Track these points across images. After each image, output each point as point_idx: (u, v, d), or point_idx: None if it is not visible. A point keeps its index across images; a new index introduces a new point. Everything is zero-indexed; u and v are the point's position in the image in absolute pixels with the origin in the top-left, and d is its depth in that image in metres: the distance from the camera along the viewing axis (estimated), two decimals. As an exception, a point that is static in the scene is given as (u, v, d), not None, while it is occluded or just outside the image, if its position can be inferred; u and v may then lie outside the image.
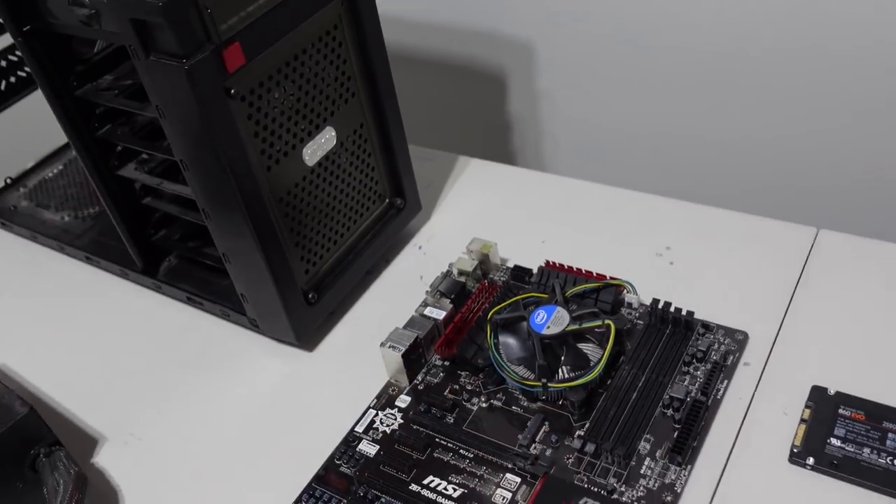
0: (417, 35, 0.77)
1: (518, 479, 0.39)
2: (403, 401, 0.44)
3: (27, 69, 0.62)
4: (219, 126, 0.38)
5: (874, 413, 0.39)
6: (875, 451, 0.37)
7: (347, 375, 0.47)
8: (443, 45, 0.76)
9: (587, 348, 0.43)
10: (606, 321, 0.42)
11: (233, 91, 0.38)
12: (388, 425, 0.43)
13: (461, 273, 0.49)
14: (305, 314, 0.47)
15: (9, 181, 0.66)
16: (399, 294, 0.50)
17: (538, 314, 0.42)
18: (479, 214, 0.56)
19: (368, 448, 0.42)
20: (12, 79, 0.63)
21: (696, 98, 0.67)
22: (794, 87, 0.62)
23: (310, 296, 0.47)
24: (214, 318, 0.52)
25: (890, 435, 0.38)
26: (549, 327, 0.42)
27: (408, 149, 0.52)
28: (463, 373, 0.45)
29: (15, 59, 0.63)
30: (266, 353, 0.49)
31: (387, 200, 0.52)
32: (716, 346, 0.43)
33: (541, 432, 0.41)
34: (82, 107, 0.47)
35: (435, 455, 0.41)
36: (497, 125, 0.79)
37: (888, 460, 0.37)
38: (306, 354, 0.49)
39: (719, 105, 0.66)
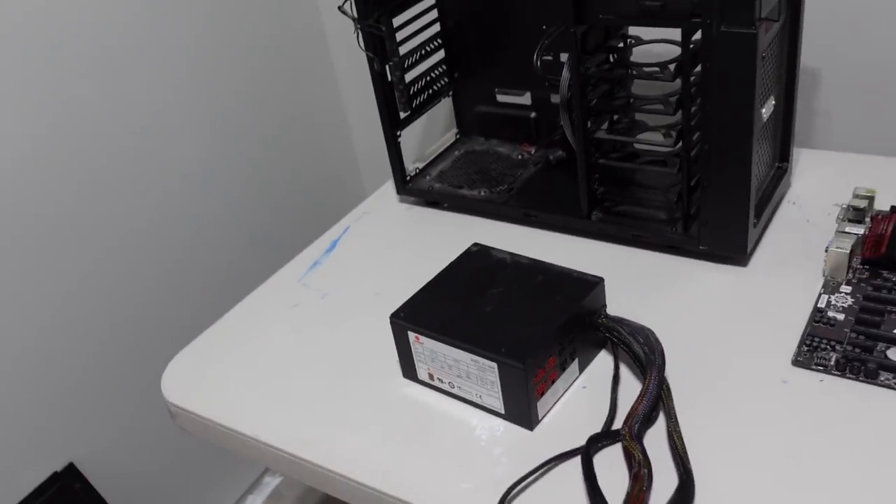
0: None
1: (971, 325, 0.54)
2: (845, 288, 0.60)
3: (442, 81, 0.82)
4: (757, 79, 0.56)
5: None
6: None
7: (782, 279, 0.62)
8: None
9: None
10: None
11: (763, 55, 0.57)
12: (843, 301, 0.59)
13: (855, 209, 0.65)
14: (753, 233, 0.63)
15: (417, 169, 0.84)
16: (788, 233, 0.66)
17: (955, 220, 0.59)
18: (830, 179, 0.73)
19: (836, 314, 0.57)
20: (430, 90, 0.83)
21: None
22: None
23: (754, 222, 0.64)
24: (648, 252, 0.68)
25: None
26: (968, 226, 0.58)
27: (794, 128, 0.70)
28: (885, 272, 0.61)
29: (438, 73, 0.82)
30: (711, 270, 0.65)
31: (776, 164, 0.70)
32: None
33: (972, 300, 0.56)
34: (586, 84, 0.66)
35: (891, 317, 0.56)
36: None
37: None
38: (742, 268, 0.65)
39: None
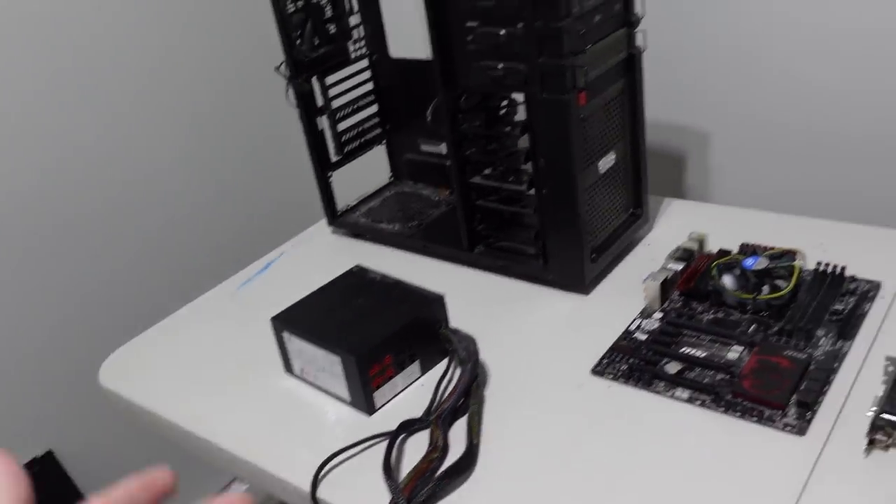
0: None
1: (742, 347, 0.65)
2: (658, 315, 0.71)
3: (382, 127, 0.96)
4: (574, 137, 0.69)
5: (967, 317, 0.64)
6: (968, 333, 0.62)
7: (613, 307, 0.74)
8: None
9: (780, 282, 0.69)
10: (794, 263, 0.69)
11: (581, 117, 0.69)
12: (651, 325, 0.70)
13: (686, 250, 0.77)
14: (590, 268, 0.75)
15: (349, 206, 0.98)
16: (638, 269, 0.78)
17: (748, 260, 0.69)
18: (685, 228, 0.84)
19: (640, 336, 0.69)
20: (363, 139, 0.97)
21: None
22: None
23: (592, 255, 0.75)
24: (514, 281, 0.80)
25: (977, 326, 0.62)
26: (755, 265, 0.69)
27: (647, 178, 0.81)
28: (694, 302, 0.71)
29: (370, 124, 0.97)
30: (558, 297, 0.77)
31: (630, 210, 0.81)
32: (860, 287, 0.69)
33: (752, 327, 0.67)
34: (461, 138, 0.79)
35: (684, 339, 0.67)
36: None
37: (977, 337, 0.61)
38: (584, 297, 0.76)
39: None
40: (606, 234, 0.78)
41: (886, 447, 0.54)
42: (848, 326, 0.65)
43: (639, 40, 0.76)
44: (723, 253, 0.76)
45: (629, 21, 0.74)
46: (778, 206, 0.97)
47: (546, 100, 0.68)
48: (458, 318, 0.71)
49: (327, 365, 0.66)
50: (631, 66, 0.76)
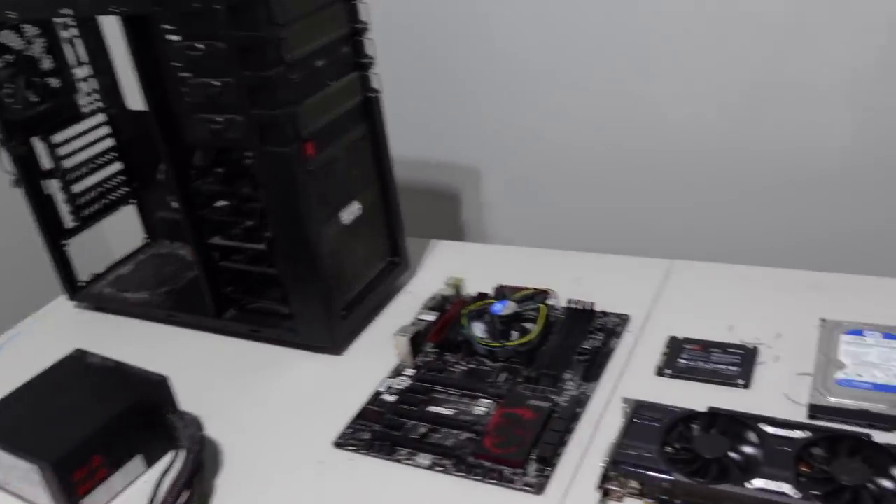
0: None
1: (489, 401, 0.61)
2: (409, 372, 0.67)
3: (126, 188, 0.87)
4: (302, 190, 0.64)
5: (705, 345, 0.63)
6: (703, 362, 0.61)
7: (367, 365, 0.69)
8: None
9: (529, 325, 0.67)
10: (539, 305, 0.66)
11: (309, 169, 0.64)
12: (400, 385, 0.65)
13: (443, 297, 0.73)
14: (340, 326, 0.70)
15: (94, 275, 0.88)
16: (399, 319, 0.73)
17: (496, 305, 0.67)
18: (447, 273, 0.81)
19: (389, 397, 0.64)
20: (106, 199, 0.88)
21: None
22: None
23: (342, 313, 0.70)
24: (266, 346, 0.74)
25: (713, 355, 0.62)
26: (503, 311, 0.66)
27: (403, 225, 0.77)
28: (447, 353, 0.68)
29: (114, 183, 0.88)
30: (308, 360, 0.71)
31: (388, 259, 0.77)
32: (609, 322, 0.68)
33: (502, 376, 0.64)
34: (195, 196, 0.72)
35: (434, 396, 0.63)
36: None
37: (712, 366, 0.61)
38: (337, 357, 0.71)
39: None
40: (360, 286, 0.74)
41: (620, 497, 0.51)
42: (593, 367, 0.63)
43: (375, 83, 0.72)
44: (480, 297, 0.73)
45: (360, 64, 0.70)
46: (548, 236, 0.97)
47: (269, 152, 0.63)
48: (199, 395, 0.64)
49: (25, 474, 0.57)
50: (369, 109, 0.72)
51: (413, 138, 1.01)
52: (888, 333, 0.59)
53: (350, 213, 0.71)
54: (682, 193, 0.92)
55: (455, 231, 1.07)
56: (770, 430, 0.52)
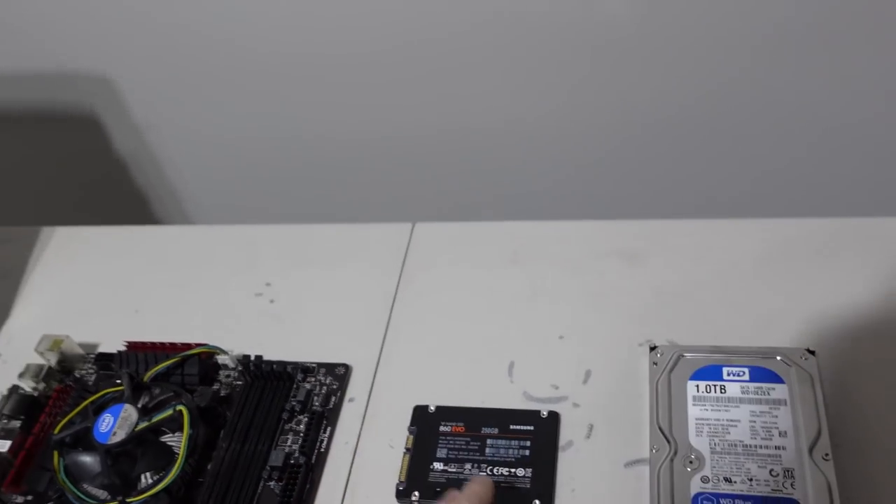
0: None
1: None
2: (-27, 563, 0.37)
3: None
4: None
5: (473, 420, 0.37)
6: (475, 465, 0.36)
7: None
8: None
9: (174, 440, 0.38)
10: (178, 408, 0.37)
11: None
12: None
13: (35, 378, 0.42)
14: None
15: None
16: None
17: (103, 420, 0.37)
18: (65, 297, 0.49)
19: None
20: None
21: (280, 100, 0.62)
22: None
23: None
24: None
25: (489, 441, 0.36)
26: (115, 433, 0.36)
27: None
28: (51, 506, 0.38)
29: None
30: None
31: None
32: (317, 388, 0.40)
33: (138, 553, 0.36)
34: None
35: None
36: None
37: (488, 470, 0.35)
38: None
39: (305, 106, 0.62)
40: None
41: None
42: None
43: None
44: (103, 375, 0.42)
45: None
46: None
47: None
48: None
49: None
50: None
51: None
52: (758, 369, 0.35)
53: None
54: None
55: (92, 185, 0.71)
56: None
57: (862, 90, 0.53)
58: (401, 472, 0.36)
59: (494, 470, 0.35)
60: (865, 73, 0.52)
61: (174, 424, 0.37)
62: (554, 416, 0.37)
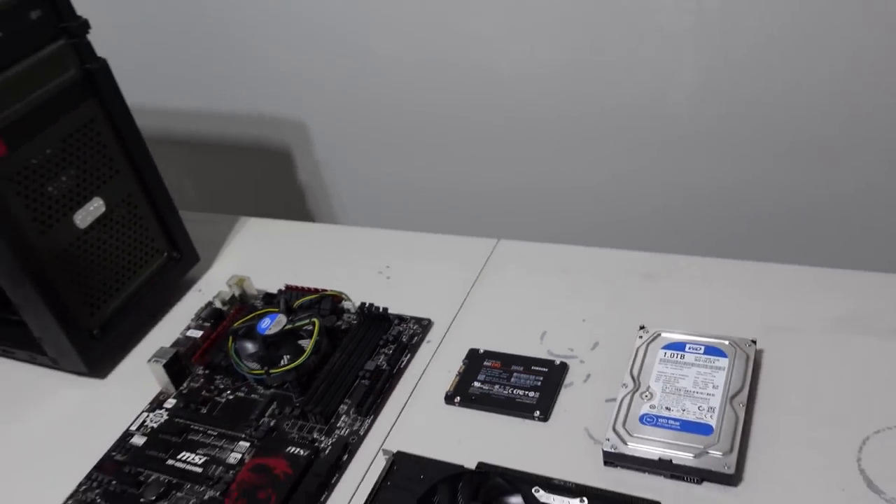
0: (211, 123, 0.91)
1: (248, 444, 0.51)
2: (170, 403, 0.56)
3: None
4: (-4, 199, 0.51)
5: (507, 361, 0.53)
6: (502, 386, 0.51)
7: (128, 395, 0.58)
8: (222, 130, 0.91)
9: (306, 342, 0.56)
10: (313, 319, 0.55)
11: (5, 171, 0.51)
12: (155, 422, 0.55)
13: (223, 302, 0.62)
14: (93, 348, 0.59)
15: None
16: (182, 328, 0.62)
17: (264, 321, 0.55)
18: (250, 261, 0.69)
19: (138, 440, 0.53)
20: None
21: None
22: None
23: (94, 332, 0.59)
24: (27, 367, 0.62)
25: (514, 374, 0.52)
26: (271, 329, 0.55)
27: (177, 212, 0.65)
28: (218, 376, 0.57)
29: None
30: (67, 387, 0.60)
31: (165, 254, 0.65)
32: (407, 331, 0.57)
33: (270, 408, 0.53)
34: None
35: (189, 438, 0.53)
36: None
37: (509, 391, 0.51)
38: (98, 382, 0.60)
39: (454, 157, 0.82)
40: (123, 295, 0.62)
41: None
42: (372, 396, 0.52)
43: (101, 50, 0.58)
44: (266, 299, 0.62)
45: (67, 30, 0.55)
46: (385, 194, 0.86)
47: (-59, 156, 0.50)
48: None
49: None
50: (93, 84, 0.58)
51: (227, 93, 0.87)
52: (711, 347, 0.49)
53: (88, 213, 0.58)
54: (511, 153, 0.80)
55: (288, 193, 0.94)
56: (543, 497, 0.42)
57: None
58: (451, 385, 0.52)
59: (514, 392, 0.51)
60: None
61: (308, 333, 0.56)
62: (563, 365, 0.52)
